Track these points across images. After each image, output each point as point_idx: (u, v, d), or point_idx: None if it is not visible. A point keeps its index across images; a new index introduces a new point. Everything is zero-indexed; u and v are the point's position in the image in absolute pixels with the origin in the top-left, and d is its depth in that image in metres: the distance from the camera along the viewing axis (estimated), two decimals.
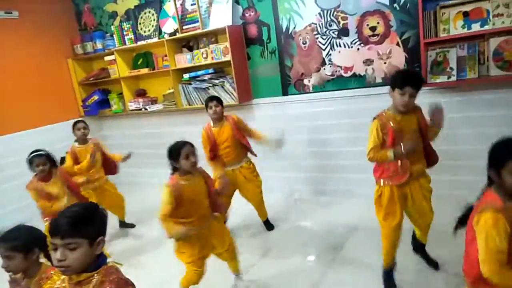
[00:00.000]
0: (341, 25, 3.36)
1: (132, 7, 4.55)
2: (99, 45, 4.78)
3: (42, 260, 1.71)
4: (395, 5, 3.11)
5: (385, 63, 3.26)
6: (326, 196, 3.82)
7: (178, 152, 2.18)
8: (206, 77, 3.95)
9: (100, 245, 1.27)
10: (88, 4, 4.95)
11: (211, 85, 3.95)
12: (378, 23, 3.21)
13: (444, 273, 2.37)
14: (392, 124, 2.06)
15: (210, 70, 3.92)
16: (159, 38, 4.28)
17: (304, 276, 2.63)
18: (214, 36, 3.97)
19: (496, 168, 1.38)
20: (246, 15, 3.81)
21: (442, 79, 2.96)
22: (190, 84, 4.08)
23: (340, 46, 3.42)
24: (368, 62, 3.33)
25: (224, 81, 3.88)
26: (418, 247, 2.49)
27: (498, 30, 2.71)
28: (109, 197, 3.57)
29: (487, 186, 1.48)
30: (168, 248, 2.36)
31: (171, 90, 4.30)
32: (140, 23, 4.48)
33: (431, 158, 2.23)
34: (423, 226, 2.33)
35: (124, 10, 4.65)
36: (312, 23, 3.49)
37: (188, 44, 4.18)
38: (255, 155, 3.20)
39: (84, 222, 1.23)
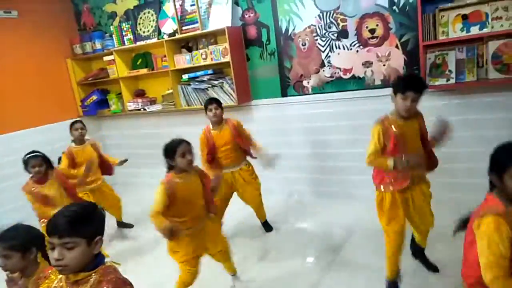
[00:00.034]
0: (340, 27, 3.37)
1: (132, 8, 4.55)
2: (98, 45, 4.78)
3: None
4: (394, 7, 3.12)
5: (384, 65, 3.27)
6: (325, 198, 3.82)
7: (174, 150, 2.16)
8: (205, 78, 3.95)
9: (98, 245, 1.26)
10: (87, 4, 4.94)
11: (210, 86, 3.95)
12: (377, 25, 3.22)
13: (443, 276, 2.37)
14: (394, 129, 2.04)
15: (209, 71, 3.92)
16: (158, 39, 4.28)
17: (303, 277, 2.63)
18: (213, 37, 3.97)
19: (498, 172, 1.38)
20: (246, 16, 3.82)
21: (441, 81, 2.97)
22: (189, 84, 4.08)
23: (339, 48, 3.42)
24: (367, 64, 3.34)
25: (223, 82, 3.88)
26: (418, 251, 2.49)
27: (497, 33, 2.72)
28: (106, 199, 3.55)
29: (489, 191, 1.47)
30: (166, 248, 2.35)
31: (170, 91, 4.29)
32: (139, 24, 4.48)
33: (431, 162, 2.22)
34: (424, 230, 2.33)
35: (124, 10, 4.65)
36: (312, 25, 3.50)
37: (187, 44, 4.18)
38: (254, 157, 3.19)
39: (82, 222, 1.22)
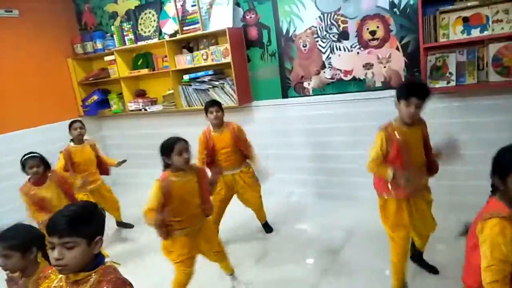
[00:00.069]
0: (341, 28, 3.37)
1: (133, 8, 4.56)
2: (99, 45, 4.78)
3: None
4: (395, 9, 3.12)
5: (384, 67, 3.27)
6: (325, 199, 3.82)
7: (171, 148, 2.15)
8: (206, 79, 3.95)
9: (98, 245, 1.26)
10: (88, 4, 4.95)
11: (211, 86, 3.95)
12: (378, 27, 3.22)
13: (443, 278, 2.38)
14: (397, 136, 2.03)
15: (210, 72, 3.92)
16: (159, 39, 4.29)
17: (302, 279, 2.63)
18: (214, 37, 3.98)
19: (501, 175, 1.37)
20: (247, 17, 3.82)
21: (441, 84, 2.97)
22: (190, 85, 4.08)
23: (340, 49, 3.43)
24: (367, 66, 3.34)
25: (224, 83, 3.88)
26: (417, 255, 2.49)
27: (497, 36, 2.72)
28: (105, 200, 3.54)
29: (491, 194, 1.46)
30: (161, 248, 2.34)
31: (171, 91, 4.30)
32: (140, 24, 4.49)
33: (432, 168, 2.21)
34: (425, 235, 2.32)
35: (125, 10, 4.65)
36: (313, 26, 3.50)
37: (188, 45, 4.18)
38: (254, 161, 3.16)
39: (82, 221, 1.23)
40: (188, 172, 2.25)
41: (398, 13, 3.12)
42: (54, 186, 2.77)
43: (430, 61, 3.00)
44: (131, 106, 4.59)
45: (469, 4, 2.78)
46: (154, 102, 4.64)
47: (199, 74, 3.97)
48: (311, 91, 3.68)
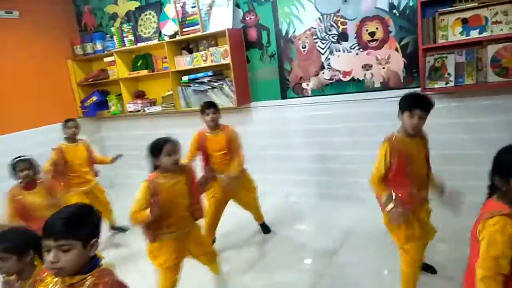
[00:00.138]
0: (340, 30, 3.37)
1: (133, 9, 4.56)
2: (99, 46, 4.78)
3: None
4: (395, 11, 3.12)
5: (383, 68, 3.27)
6: (324, 200, 3.81)
7: (160, 149, 2.11)
8: (205, 80, 3.95)
9: (94, 247, 1.26)
10: (88, 5, 4.95)
11: (210, 87, 3.95)
12: (377, 28, 3.22)
13: (442, 278, 2.37)
14: (401, 148, 2.02)
15: (210, 73, 3.92)
16: (159, 40, 4.29)
17: (300, 279, 2.62)
18: (214, 39, 3.98)
19: (504, 175, 1.35)
20: (246, 18, 3.82)
21: (440, 84, 2.97)
22: (189, 86, 4.08)
23: (339, 50, 3.43)
24: (366, 67, 3.34)
25: (223, 84, 3.88)
26: None
27: (496, 37, 2.72)
28: (98, 202, 3.49)
29: (488, 196, 1.45)
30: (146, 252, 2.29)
31: (170, 92, 4.30)
32: (140, 25, 4.49)
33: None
34: (425, 243, 2.30)
35: (125, 11, 4.66)
36: (312, 27, 3.50)
37: (188, 46, 4.18)
38: (232, 167, 3.03)
39: (78, 224, 1.22)
40: (177, 173, 2.20)
41: (397, 14, 3.11)
42: (44, 193, 2.68)
43: (429, 62, 3.00)
44: (130, 107, 4.59)
45: (468, 5, 2.78)
46: (153, 103, 4.64)
47: (199, 75, 3.97)
48: (310, 92, 3.67)
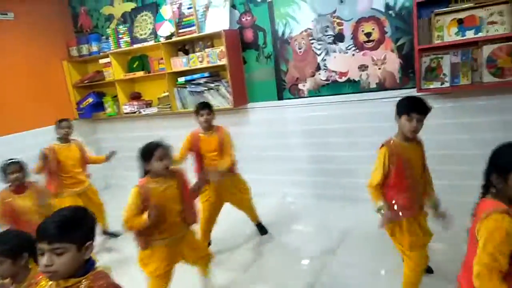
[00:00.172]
0: (336, 30, 3.38)
1: (129, 10, 4.55)
2: (94, 48, 4.76)
3: None
4: (390, 11, 3.13)
5: (379, 68, 3.27)
6: (321, 200, 3.81)
7: (151, 153, 2.07)
8: (201, 81, 3.94)
9: (88, 250, 1.25)
10: (84, 7, 4.93)
11: (206, 88, 3.94)
12: (373, 29, 3.22)
13: (438, 278, 2.37)
14: (400, 152, 2.02)
15: (206, 74, 3.91)
16: (155, 41, 4.27)
17: (297, 280, 2.62)
18: (210, 40, 3.97)
19: (502, 173, 1.33)
20: (243, 19, 3.82)
21: (436, 85, 2.98)
22: (186, 87, 4.07)
23: (335, 51, 3.43)
24: (362, 67, 3.34)
25: (219, 85, 3.87)
26: None
27: (491, 38, 2.73)
28: (92, 204, 3.42)
29: (482, 195, 1.44)
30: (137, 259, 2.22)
31: (166, 94, 4.28)
32: (136, 26, 4.47)
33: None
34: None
35: (121, 13, 4.64)
36: (308, 28, 3.50)
37: (184, 47, 4.17)
38: (235, 172, 3.07)
39: (72, 227, 1.21)
40: (168, 177, 2.15)
41: (393, 15, 3.12)
42: (34, 198, 2.62)
43: (425, 63, 3.01)
44: (126, 108, 4.57)
45: (463, 6, 2.79)
46: (149, 104, 4.63)
47: (195, 76, 3.96)
48: (306, 93, 3.67)
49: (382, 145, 2.05)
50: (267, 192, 3.99)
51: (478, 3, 2.75)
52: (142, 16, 4.43)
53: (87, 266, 1.26)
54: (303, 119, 3.73)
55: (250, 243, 3.24)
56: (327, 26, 3.41)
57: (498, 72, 2.77)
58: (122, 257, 3.29)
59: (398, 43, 3.15)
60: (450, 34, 2.87)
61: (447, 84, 2.94)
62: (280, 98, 3.83)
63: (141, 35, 4.43)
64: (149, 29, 4.36)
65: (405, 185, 2.03)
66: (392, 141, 2.05)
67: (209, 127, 2.94)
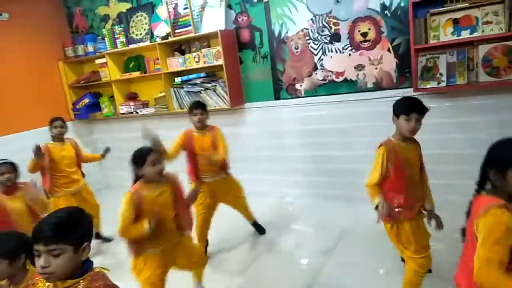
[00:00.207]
0: (333, 30, 3.38)
1: (124, 11, 4.53)
2: (90, 48, 4.74)
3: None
4: (386, 11, 3.13)
5: (376, 68, 3.28)
6: (318, 200, 3.82)
7: (144, 159, 2.02)
8: (198, 81, 3.94)
9: (85, 251, 1.24)
10: (79, 7, 4.91)
11: (203, 89, 3.94)
12: (369, 29, 3.23)
13: (437, 277, 2.38)
14: (398, 151, 2.02)
15: (202, 74, 3.91)
16: (151, 42, 4.27)
17: (296, 280, 2.62)
18: (206, 40, 3.97)
19: (500, 169, 1.32)
20: (239, 19, 3.82)
21: (432, 84, 2.99)
22: (182, 87, 4.06)
23: (331, 51, 3.44)
24: (359, 67, 3.35)
25: (216, 85, 3.87)
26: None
27: (487, 37, 2.75)
28: (86, 204, 3.37)
29: (477, 192, 1.43)
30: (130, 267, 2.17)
31: (163, 94, 4.27)
32: (132, 27, 4.46)
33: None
34: None
35: (116, 13, 4.63)
36: (304, 28, 3.51)
37: (180, 47, 4.16)
38: (227, 172, 3.05)
39: (69, 228, 1.20)
40: (161, 183, 2.10)
41: (389, 15, 3.13)
42: (23, 199, 2.56)
43: (421, 62, 3.02)
44: (123, 109, 4.56)
45: (459, 6, 2.80)
46: (145, 105, 4.62)
47: (191, 76, 3.96)
48: (303, 93, 3.68)
49: (381, 145, 2.06)
50: (265, 192, 4.00)
51: (473, 3, 2.76)
52: (137, 16, 4.42)
53: (85, 267, 1.26)
54: (300, 119, 3.74)
55: (248, 243, 3.24)
56: (324, 26, 3.41)
57: (494, 71, 2.78)
58: (116, 261, 3.24)
59: (394, 43, 3.16)
60: (446, 34, 2.88)
61: (443, 84, 2.95)
62: (277, 98, 3.83)
63: (136, 35, 4.42)
64: (145, 29, 4.35)
65: (404, 185, 2.03)
66: (390, 141, 2.05)
67: (202, 127, 2.92)
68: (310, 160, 3.81)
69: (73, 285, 1.21)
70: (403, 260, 2.48)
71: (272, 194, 4.03)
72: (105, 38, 4.57)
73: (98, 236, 3.60)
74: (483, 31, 2.76)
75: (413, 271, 2.09)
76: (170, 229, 2.13)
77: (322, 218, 3.46)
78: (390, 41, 3.18)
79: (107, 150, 3.58)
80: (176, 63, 4.04)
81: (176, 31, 3.98)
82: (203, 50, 3.87)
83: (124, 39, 4.45)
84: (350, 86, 3.43)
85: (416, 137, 2.10)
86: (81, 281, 1.22)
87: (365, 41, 3.27)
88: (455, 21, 2.84)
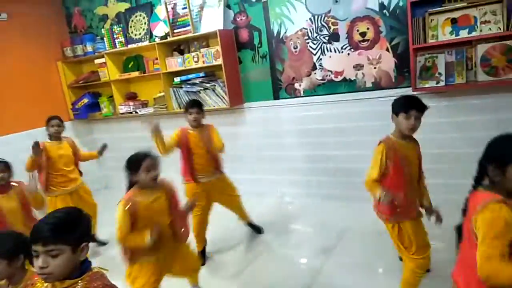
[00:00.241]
0: (331, 30, 3.38)
1: (123, 10, 4.53)
2: (89, 48, 4.74)
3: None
4: (385, 11, 3.14)
5: (375, 68, 3.29)
6: (318, 199, 3.82)
7: (139, 165, 1.99)
8: (197, 81, 3.94)
9: (84, 251, 1.24)
10: (78, 7, 4.91)
11: (202, 88, 3.94)
12: (368, 28, 3.23)
13: (435, 276, 2.38)
14: (397, 148, 2.02)
15: (201, 74, 3.91)
16: (150, 42, 4.26)
17: (295, 279, 2.62)
18: (205, 40, 3.97)
19: (500, 165, 1.31)
20: (238, 19, 3.82)
21: (431, 84, 2.99)
22: (181, 87, 4.06)
23: (330, 51, 3.44)
24: (358, 67, 3.35)
25: (215, 85, 3.87)
26: None
27: (485, 37, 2.75)
28: (83, 203, 3.33)
29: (474, 188, 1.42)
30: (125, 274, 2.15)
31: (162, 94, 4.27)
32: (131, 26, 4.46)
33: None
34: None
35: (115, 13, 4.62)
36: (303, 28, 3.51)
37: (179, 47, 4.16)
38: (222, 171, 3.04)
39: (67, 228, 1.20)
40: (156, 189, 2.07)
41: (387, 14, 3.13)
42: (16, 198, 2.54)
43: (420, 62, 3.02)
44: (122, 109, 4.56)
45: (457, 5, 2.80)
46: (145, 104, 4.62)
47: (190, 76, 3.96)
48: (302, 92, 3.68)
49: (380, 142, 2.06)
50: (264, 192, 4.00)
51: (471, 2, 2.77)
52: (136, 16, 4.42)
53: (83, 267, 1.26)
54: (299, 118, 3.74)
55: (247, 243, 3.24)
56: (322, 26, 3.42)
57: (492, 71, 2.79)
58: (112, 263, 3.21)
59: (393, 43, 3.17)
60: (444, 34, 2.89)
61: (442, 83, 2.95)
62: (276, 97, 3.83)
63: (135, 35, 4.42)
64: (144, 29, 4.35)
65: (404, 182, 2.03)
66: (389, 139, 2.06)
67: (198, 126, 2.91)
68: (310, 160, 3.82)
69: (71, 285, 1.21)
70: (401, 259, 2.49)
71: (271, 193, 4.03)
72: (104, 38, 4.56)
73: (93, 239, 3.51)
74: (481, 30, 2.77)
75: (411, 271, 2.09)
76: (165, 236, 2.09)
77: (322, 218, 3.47)
78: (388, 40, 3.18)
79: (103, 147, 3.55)
80: (175, 63, 4.04)
81: (175, 31, 3.98)
82: (202, 50, 3.87)
83: (123, 39, 4.45)
84: (349, 85, 3.43)
85: (414, 136, 2.11)
86: (80, 281, 1.22)
87: (363, 40, 3.28)
88: (454, 21, 2.85)
